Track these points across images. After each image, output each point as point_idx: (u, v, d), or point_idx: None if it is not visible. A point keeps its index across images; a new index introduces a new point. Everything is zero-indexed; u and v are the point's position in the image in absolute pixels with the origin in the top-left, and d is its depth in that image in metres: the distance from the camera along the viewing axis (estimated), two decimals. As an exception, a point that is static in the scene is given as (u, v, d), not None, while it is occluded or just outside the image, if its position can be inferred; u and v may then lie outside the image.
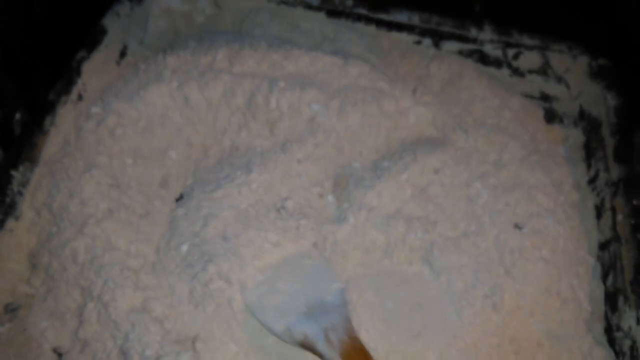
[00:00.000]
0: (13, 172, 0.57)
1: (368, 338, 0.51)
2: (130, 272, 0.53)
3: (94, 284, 0.52)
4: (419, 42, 0.77)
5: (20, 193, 0.57)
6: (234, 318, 0.51)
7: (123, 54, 0.72)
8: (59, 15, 0.70)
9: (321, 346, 0.47)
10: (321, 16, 0.78)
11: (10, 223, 0.55)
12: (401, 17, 0.77)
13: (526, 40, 0.77)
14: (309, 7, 0.78)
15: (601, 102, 0.71)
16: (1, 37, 0.63)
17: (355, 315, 0.53)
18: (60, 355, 0.51)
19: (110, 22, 0.71)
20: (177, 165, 0.62)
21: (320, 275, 0.53)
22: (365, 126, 0.67)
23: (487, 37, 0.77)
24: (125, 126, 0.62)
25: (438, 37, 0.76)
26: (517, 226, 0.58)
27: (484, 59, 0.77)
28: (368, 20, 0.77)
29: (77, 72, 0.65)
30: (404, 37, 0.77)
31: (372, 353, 0.49)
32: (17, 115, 0.66)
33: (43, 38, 0.68)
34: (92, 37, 0.69)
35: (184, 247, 0.54)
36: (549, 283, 0.55)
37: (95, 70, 0.67)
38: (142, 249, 0.56)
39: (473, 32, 0.77)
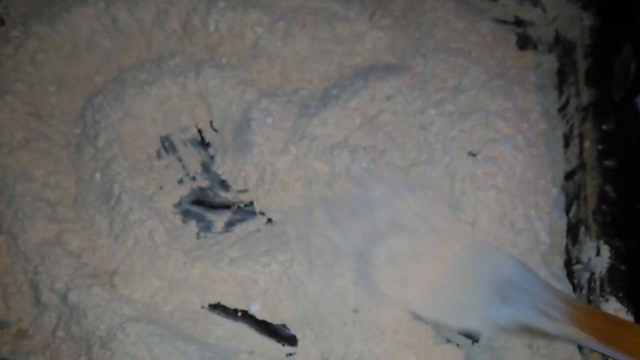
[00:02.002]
0: None
1: (301, 272, 0.48)
2: (45, 203, 0.49)
3: (4, 215, 0.48)
4: (381, -38, 0.70)
5: None
6: (156, 251, 0.48)
7: (54, -23, 0.66)
8: None
9: (542, 323, 0.41)
10: None
11: None
12: None
13: (500, -41, 0.70)
14: None
15: (577, 24, 0.65)
16: None
17: (290, 249, 0.49)
18: (-29, 291, 0.48)
19: (38, -59, 0.65)
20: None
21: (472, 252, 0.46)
22: (316, 52, 0.61)
23: (456, -45, 0.70)
24: (48, 51, 0.57)
25: (401, -45, 0.69)
26: (471, 153, 0.53)
27: (452, -20, 0.70)
28: (324, -64, 0.70)
29: (-2, -6, 0.60)
30: (365, -44, 0.70)
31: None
32: None
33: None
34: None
35: (97, 176, 0.50)
36: (501, 212, 0.50)
37: (19, -7, 0.61)
38: (62, 181, 0.52)
39: (440, -50, 0.69)
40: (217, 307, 0.48)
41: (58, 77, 0.57)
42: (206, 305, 0.48)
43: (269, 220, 0.53)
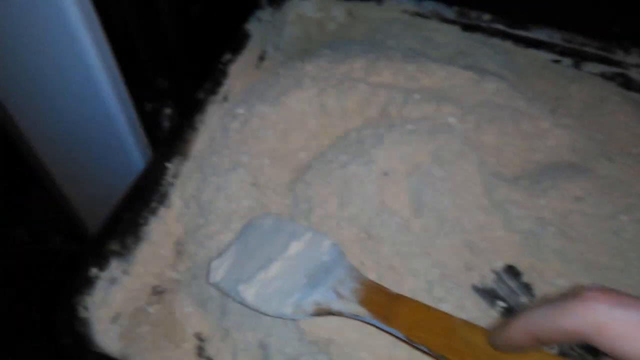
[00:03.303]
0: (167, 165, 0.60)
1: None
2: (269, 269, 0.55)
3: (237, 276, 0.54)
4: (557, 61, 0.74)
5: (171, 184, 0.60)
6: (366, 328, 0.52)
7: (261, 57, 0.75)
8: (209, 18, 0.75)
9: (336, 305, 0.46)
10: (456, 29, 0.77)
11: (162, 211, 0.59)
12: (541, 35, 0.74)
13: (677, 65, 0.72)
14: (444, 20, 0.77)
15: None
16: (161, 35, 0.68)
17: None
18: (202, 340, 0.54)
19: (253, 27, 0.75)
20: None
21: (308, 244, 0.50)
22: (501, 145, 0.65)
23: (633, 61, 0.73)
24: (266, 128, 0.65)
25: (579, 58, 0.73)
26: (669, 266, 0.54)
27: (628, 83, 0.73)
28: (505, 35, 0.75)
29: (224, 74, 0.69)
30: (542, 55, 0.75)
31: None
32: (167, 110, 0.71)
33: (194, 39, 0.73)
34: (238, 41, 0.72)
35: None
36: None
37: (238, 73, 0.70)
38: (278, 248, 0.58)
39: (619, 55, 0.73)
40: (415, 387, 0.51)
41: (272, 151, 0.65)
42: (407, 383, 0.51)
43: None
